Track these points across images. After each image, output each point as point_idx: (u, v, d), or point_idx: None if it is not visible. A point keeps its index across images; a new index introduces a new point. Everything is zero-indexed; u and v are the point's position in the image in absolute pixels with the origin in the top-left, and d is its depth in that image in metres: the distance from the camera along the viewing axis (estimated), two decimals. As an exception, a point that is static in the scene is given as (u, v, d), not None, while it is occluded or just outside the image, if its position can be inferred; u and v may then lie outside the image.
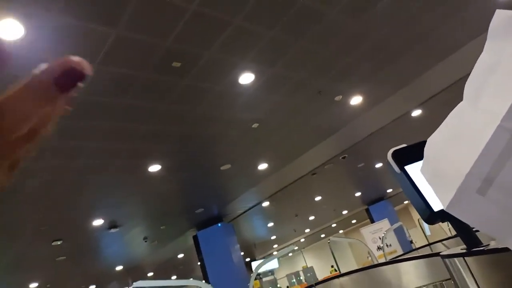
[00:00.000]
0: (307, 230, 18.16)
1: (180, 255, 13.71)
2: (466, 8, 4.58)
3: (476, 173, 0.52)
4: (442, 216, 0.89)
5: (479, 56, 0.57)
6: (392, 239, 10.72)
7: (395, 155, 0.96)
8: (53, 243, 7.59)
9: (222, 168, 6.77)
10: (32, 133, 0.27)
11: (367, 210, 15.51)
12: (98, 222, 7.29)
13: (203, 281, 8.64)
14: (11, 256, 7.68)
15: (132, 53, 3.49)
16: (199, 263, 9.77)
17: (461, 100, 0.60)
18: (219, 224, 9.63)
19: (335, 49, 4.49)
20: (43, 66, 0.26)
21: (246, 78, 4.44)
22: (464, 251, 0.87)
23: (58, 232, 7.23)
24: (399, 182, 0.96)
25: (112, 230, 7.80)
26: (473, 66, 0.58)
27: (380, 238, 10.59)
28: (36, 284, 10.82)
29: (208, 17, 3.36)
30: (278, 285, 16.46)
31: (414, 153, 0.93)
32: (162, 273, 15.99)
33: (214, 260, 9.24)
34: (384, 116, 6.89)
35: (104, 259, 10.70)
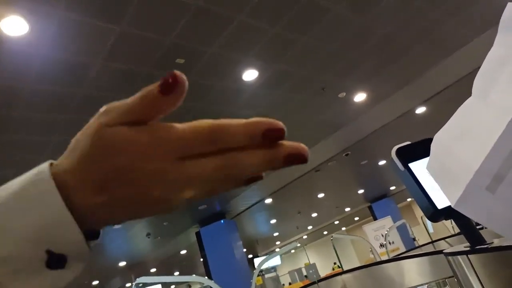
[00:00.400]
0: (310, 227, 18.18)
1: (183, 252, 13.78)
2: (471, 4, 4.55)
3: (486, 170, 0.51)
4: (446, 213, 0.89)
5: (484, 53, 0.56)
6: (395, 237, 10.71)
7: (399, 152, 0.96)
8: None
9: None
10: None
11: (370, 208, 15.50)
12: None
13: (206, 277, 8.68)
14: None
15: (136, 49, 3.50)
16: (201, 260, 9.81)
17: (467, 97, 0.60)
18: (222, 221, 9.66)
19: (339, 46, 4.48)
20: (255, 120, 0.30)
21: (250, 74, 4.44)
22: (468, 249, 0.87)
23: None
24: (402, 180, 0.96)
25: (115, 226, 7.85)
26: (478, 63, 0.57)
27: (382, 236, 10.58)
28: (39, 280, 10.90)
29: (212, 13, 3.36)
30: (281, 282, 16.50)
31: (418, 150, 0.93)
32: (165, 269, 16.10)
33: (216, 256, 9.28)
34: (388, 113, 6.86)
35: (107, 255, 10.77)
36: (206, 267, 9.35)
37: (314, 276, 11.74)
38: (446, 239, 3.68)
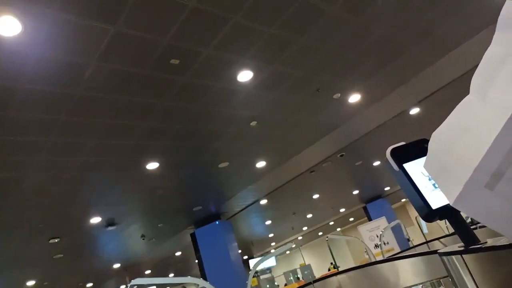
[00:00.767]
0: (305, 228, 18.20)
1: (178, 253, 13.73)
2: (467, 4, 4.57)
3: (485, 168, 0.51)
4: (440, 214, 0.90)
5: (479, 53, 0.56)
6: (390, 237, 10.76)
7: (393, 153, 0.96)
8: (51, 241, 7.58)
9: (220, 165, 6.77)
10: None
11: (365, 208, 15.55)
12: (95, 219, 7.28)
13: (201, 279, 8.65)
14: (8, 254, 7.67)
15: (131, 50, 3.48)
16: (196, 261, 9.78)
17: (461, 97, 0.60)
18: (217, 222, 9.63)
19: (334, 47, 4.49)
20: None
21: (245, 75, 4.43)
22: (462, 248, 0.87)
23: (56, 230, 7.22)
24: (397, 180, 0.97)
25: (110, 228, 7.79)
26: (472, 64, 0.57)
27: (377, 236, 10.62)
28: (33, 282, 10.80)
29: (207, 14, 3.35)
30: (276, 283, 16.49)
31: (413, 151, 0.93)
32: (159, 271, 16.02)
33: (212, 257, 9.25)
34: (382, 114, 6.90)
35: (102, 257, 10.70)
36: (201, 268, 9.32)
37: (310, 277, 11.75)
38: (441, 239, 3.70)
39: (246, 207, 10.13)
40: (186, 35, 3.51)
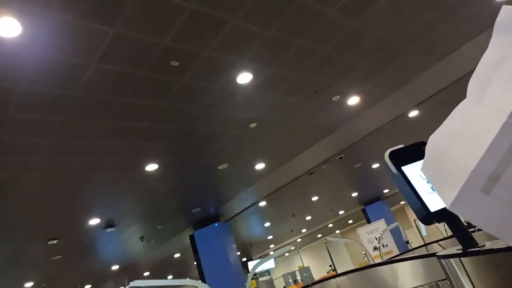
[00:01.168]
0: (304, 230, 18.18)
1: (177, 255, 13.70)
2: (464, 8, 4.59)
3: (481, 171, 0.51)
4: (439, 216, 0.90)
5: (477, 57, 0.57)
6: (389, 240, 10.75)
7: (392, 155, 0.96)
8: (49, 242, 7.56)
9: (219, 167, 6.77)
10: None
11: (364, 210, 15.55)
12: (94, 221, 7.26)
13: (199, 281, 8.63)
14: (6, 255, 7.64)
15: (130, 51, 3.48)
16: (195, 263, 9.76)
17: (459, 100, 0.60)
18: (216, 224, 9.62)
19: (333, 49, 4.49)
20: None
21: (244, 77, 4.43)
22: (460, 251, 0.87)
23: (55, 231, 7.20)
24: (396, 183, 0.97)
25: (109, 229, 7.78)
26: (470, 67, 0.57)
27: (376, 239, 10.61)
28: (31, 283, 10.76)
29: (207, 16, 3.36)
30: (275, 285, 16.46)
31: (411, 153, 0.93)
32: (158, 273, 15.96)
33: (210, 259, 9.23)
34: (381, 116, 6.91)
35: (100, 259, 10.67)
36: (200, 270, 9.30)
37: (309, 279, 11.73)
38: (439, 242, 3.70)
39: (245, 209, 10.13)
40: (185, 36, 3.52)
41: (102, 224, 7.53)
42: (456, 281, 0.85)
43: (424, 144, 0.66)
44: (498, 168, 0.51)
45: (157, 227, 9.18)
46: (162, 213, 8.29)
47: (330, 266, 16.85)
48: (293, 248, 20.37)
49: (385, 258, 4.92)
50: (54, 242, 7.57)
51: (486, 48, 0.56)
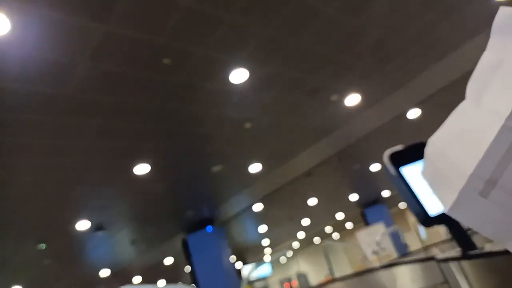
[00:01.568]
0: (301, 234, 18.13)
1: (169, 259, 13.57)
2: (464, 7, 4.58)
3: (479, 175, 0.51)
4: (438, 219, 0.89)
5: (477, 56, 0.57)
6: (387, 243, 10.72)
7: (391, 156, 0.95)
8: (38, 246, 7.44)
9: (213, 169, 6.69)
10: None
11: (362, 213, 15.53)
12: (84, 224, 7.12)
13: (193, 285, 8.59)
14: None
15: (122, 50, 3.42)
16: (188, 267, 9.66)
17: (460, 100, 0.60)
18: (210, 228, 9.53)
19: (331, 48, 4.46)
20: None
21: (239, 76, 4.36)
22: (459, 254, 0.86)
23: (43, 235, 7.06)
24: (395, 184, 0.96)
25: (98, 233, 7.65)
26: (471, 66, 0.57)
27: (375, 242, 10.59)
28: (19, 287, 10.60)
29: (201, 14, 3.31)
30: (272, 289, 16.41)
31: (411, 154, 0.93)
32: (150, 277, 15.82)
33: (204, 264, 9.14)
34: (380, 117, 6.86)
35: (90, 263, 10.54)
36: (193, 274, 9.19)
37: (305, 285, 11.71)
38: (438, 245, 3.70)
39: (240, 212, 10.07)
40: (179, 35, 3.46)
41: (92, 227, 7.37)
42: (455, 284, 0.84)
43: (423, 144, 0.66)
44: (496, 172, 0.51)
45: (149, 231, 9.08)
46: (155, 217, 8.20)
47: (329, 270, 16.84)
48: (290, 254, 20.34)
49: (384, 261, 4.91)
50: (43, 246, 7.45)
51: (485, 48, 0.56)
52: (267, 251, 19.45)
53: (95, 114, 4.17)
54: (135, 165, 5.63)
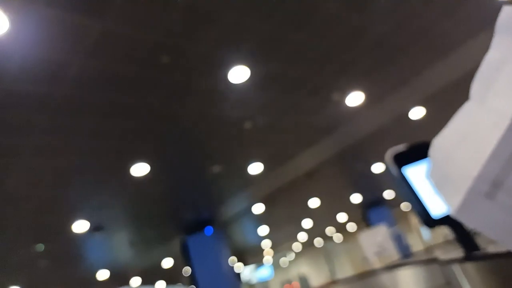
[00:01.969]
0: (302, 235, 18.09)
1: (169, 261, 13.53)
2: (468, 3, 4.52)
3: (485, 176, 0.51)
4: (441, 220, 0.89)
5: (481, 53, 0.56)
6: (389, 244, 10.70)
7: (394, 156, 0.95)
8: (35, 247, 7.40)
9: (212, 170, 6.64)
10: None
11: (364, 214, 15.50)
12: (81, 225, 7.08)
13: (193, 286, 8.59)
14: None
15: (119, 48, 3.40)
16: (188, 267, 9.62)
17: (464, 98, 0.59)
18: (210, 229, 9.51)
19: (333, 45, 4.42)
20: None
21: (240, 74, 4.32)
22: (461, 256, 0.86)
23: (40, 236, 7.03)
24: (397, 185, 0.95)
25: (96, 235, 7.61)
26: (475, 64, 0.56)
27: (377, 243, 10.56)
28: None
29: (200, 10, 3.29)
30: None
31: (414, 154, 0.92)
32: (149, 279, 15.79)
33: (203, 265, 9.11)
34: (383, 116, 6.81)
35: (88, 264, 10.48)
36: (193, 276, 9.16)
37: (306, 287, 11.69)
38: (441, 246, 3.68)
39: (240, 214, 10.04)
40: (177, 32, 3.45)
41: (90, 228, 7.31)
42: (458, 286, 0.84)
43: (427, 144, 0.65)
44: (502, 173, 0.50)
45: (148, 232, 9.05)
46: (153, 218, 8.17)
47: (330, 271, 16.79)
48: (292, 256, 20.29)
49: (386, 263, 4.90)
50: (40, 247, 7.42)
51: (489, 46, 0.56)
52: (268, 252, 19.43)
53: (90, 114, 4.14)
54: (133, 166, 5.59)
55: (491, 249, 0.83)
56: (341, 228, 19.24)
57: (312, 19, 3.91)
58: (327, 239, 20.76)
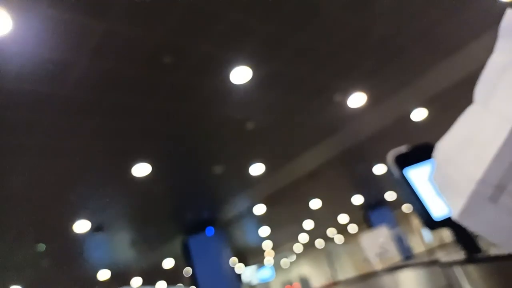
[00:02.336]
0: (304, 236, 18.07)
1: (170, 261, 13.54)
2: (471, 4, 4.51)
3: (488, 180, 0.50)
4: (443, 222, 0.88)
5: (484, 54, 0.56)
6: (391, 246, 10.68)
7: (395, 157, 0.95)
8: (37, 247, 7.42)
9: (214, 170, 6.64)
10: None
11: (366, 216, 15.46)
12: (83, 225, 7.08)
13: (194, 287, 8.58)
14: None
15: (122, 48, 3.41)
16: (188, 268, 9.62)
17: (467, 99, 0.59)
18: (211, 230, 9.50)
19: (336, 46, 4.42)
20: None
21: (241, 75, 4.32)
22: (463, 258, 0.86)
23: (41, 236, 7.04)
24: (399, 186, 0.95)
25: (97, 235, 7.62)
26: (477, 65, 0.56)
27: (378, 245, 10.54)
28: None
29: (202, 10, 3.30)
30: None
31: (416, 155, 0.92)
32: (150, 279, 15.78)
33: (204, 266, 9.11)
34: (385, 117, 6.80)
35: (89, 264, 10.49)
36: (194, 277, 9.16)
37: None
38: (443, 247, 3.67)
39: (242, 214, 10.03)
40: (179, 32, 3.45)
41: (91, 228, 7.31)
42: (460, 288, 0.84)
43: (429, 145, 0.65)
44: (505, 177, 0.50)
45: (149, 233, 9.05)
46: (155, 219, 8.16)
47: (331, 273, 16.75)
48: (293, 260, 20.25)
49: (387, 264, 4.89)
50: (41, 247, 7.42)
51: (492, 47, 0.56)
52: (269, 253, 19.40)
53: (92, 114, 4.14)
54: (135, 166, 5.59)
55: (493, 251, 0.83)
56: (342, 229, 19.20)
57: (314, 20, 3.91)
58: (328, 240, 20.72)
